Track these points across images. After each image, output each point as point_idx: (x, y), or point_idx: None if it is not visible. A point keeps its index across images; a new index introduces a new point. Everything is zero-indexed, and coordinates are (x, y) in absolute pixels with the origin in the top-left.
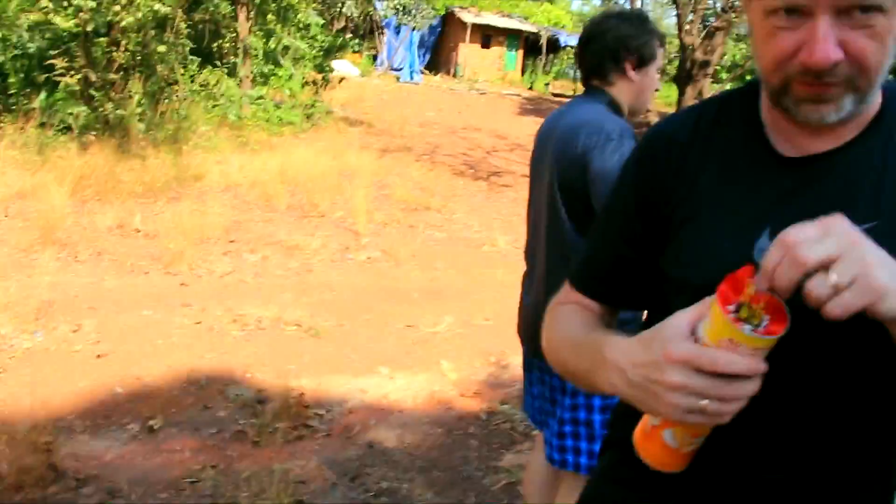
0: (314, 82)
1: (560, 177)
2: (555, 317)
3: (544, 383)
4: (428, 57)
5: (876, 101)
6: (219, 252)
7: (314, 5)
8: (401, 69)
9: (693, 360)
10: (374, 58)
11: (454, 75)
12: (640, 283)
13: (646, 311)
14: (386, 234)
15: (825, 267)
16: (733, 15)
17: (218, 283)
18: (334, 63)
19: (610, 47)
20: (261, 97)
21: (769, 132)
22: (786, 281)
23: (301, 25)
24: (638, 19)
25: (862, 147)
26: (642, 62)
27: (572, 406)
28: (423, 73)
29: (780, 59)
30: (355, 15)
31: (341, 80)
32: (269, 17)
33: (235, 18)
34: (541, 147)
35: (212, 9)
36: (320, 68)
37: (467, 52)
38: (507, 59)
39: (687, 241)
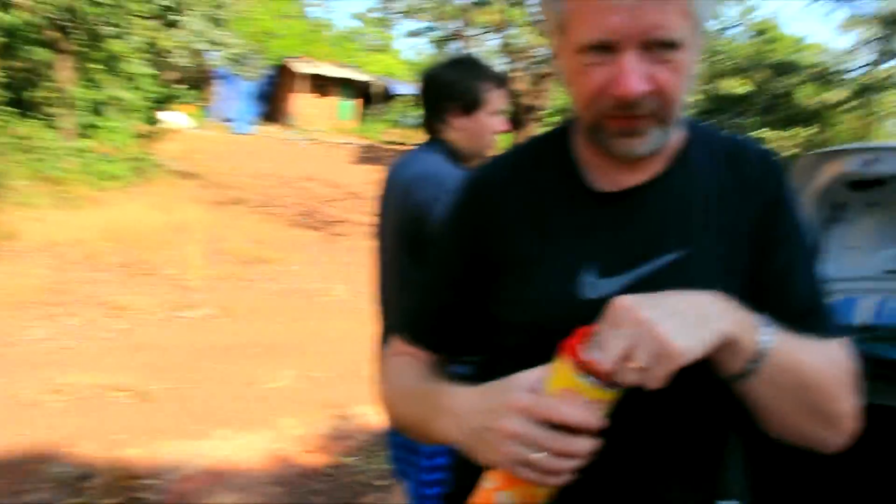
0: (143, 134)
1: (400, 230)
2: (388, 369)
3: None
4: (262, 107)
5: (677, 135)
6: (35, 317)
7: (142, 55)
8: (234, 120)
9: (531, 408)
10: (207, 109)
11: (289, 125)
12: (470, 329)
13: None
14: (221, 289)
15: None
16: None
17: (34, 350)
18: (165, 114)
19: (438, 95)
20: (85, 150)
21: (584, 169)
22: (613, 351)
23: (129, 75)
24: (466, 64)
25: (670, 180)
26: (469, 107)
27: (430, 468)
28: (257, 123)
29: (592, 95)
30: (186, 65)
31: (172, 132)
32: (94, 66)
33: (56, 67)
34: (383, 198)
35: (29, 56)
36: (150, 120)
37: (301, 102)
38: (342, 108)
39: (513, 281)
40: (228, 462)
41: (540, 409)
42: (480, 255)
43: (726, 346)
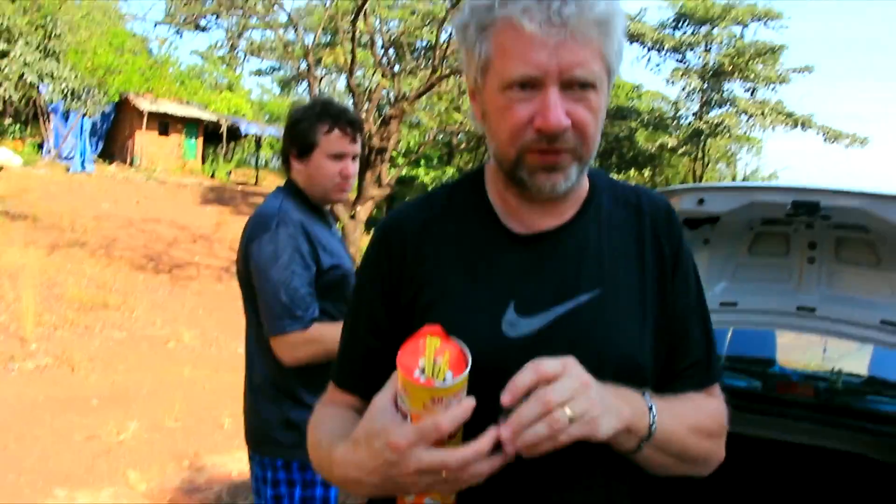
0: None
1: (243, 270)
2: (316, 419)
3: (252, 472)
4: (101, 145)
5: (585, 182)
6: None
7: None
8: (71, 158)
9: (419, 440)
10: (40, 146)
11: (131, 164)
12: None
13: None
14: (58, 337)
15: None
16: (405, 104)
17: None
18: None
19: (284, 137)
20: None
21: (500, 213)
22: (532, 416)
23: None
24: (309, 107)
25: (581, 224)
26: (303, 151)
27: (275, 497)
28: (96, 162)
29: (516, 129)
30: (15, 98)
31: None
32: None
33: None
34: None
35: None
36: None
37: (144, 141)
38: (187, 147)
39: (434, 321)
40: None
41: (427, 435)
42: (400, 299)
43: (624, 431)
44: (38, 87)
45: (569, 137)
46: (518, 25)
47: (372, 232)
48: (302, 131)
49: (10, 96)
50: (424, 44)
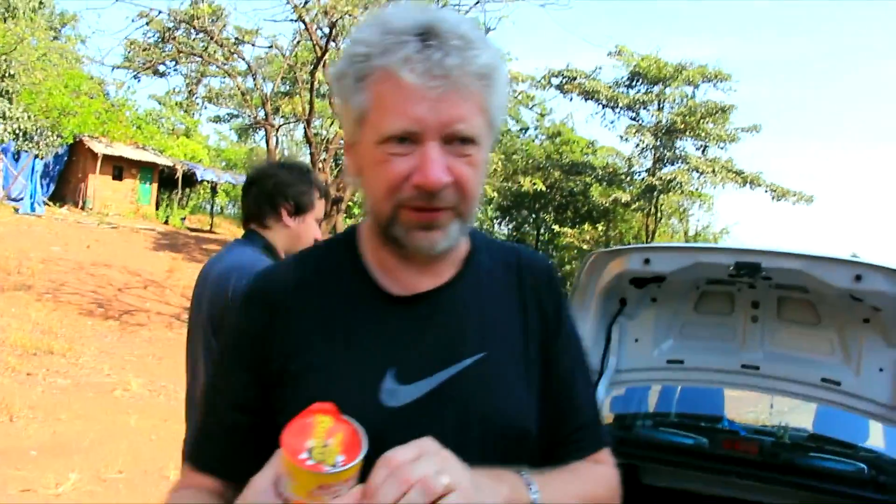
0: None
1: (213, 324)
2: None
3: None
4: (53, 187)
5: (464, 242)
6: None
7: None
8: (21, 199)
9: None
10: None
11: (83, 207)
12: (262, 450)
13: None
14: None
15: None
16: None
17: None
18: None
19: (269, 193)
20: None
21: (376, 273)
22: (391, 497)
23: None
24: (300, 170)
25: (462, 284)
26: (299, 210)
27: None
28: (46, 204)
29: (393, 184)
30: None
31: None
32: None
33: None
34: (197, 294)
35: None
36: None
37: (97, 184)
38: (141, 192)
39: (307, 393)
40: None
41: None
42: (268, 367)
43: None
44: None
45: (448, 195)
46: (397, 76)
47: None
48: (303, 193)
49: None
50: None
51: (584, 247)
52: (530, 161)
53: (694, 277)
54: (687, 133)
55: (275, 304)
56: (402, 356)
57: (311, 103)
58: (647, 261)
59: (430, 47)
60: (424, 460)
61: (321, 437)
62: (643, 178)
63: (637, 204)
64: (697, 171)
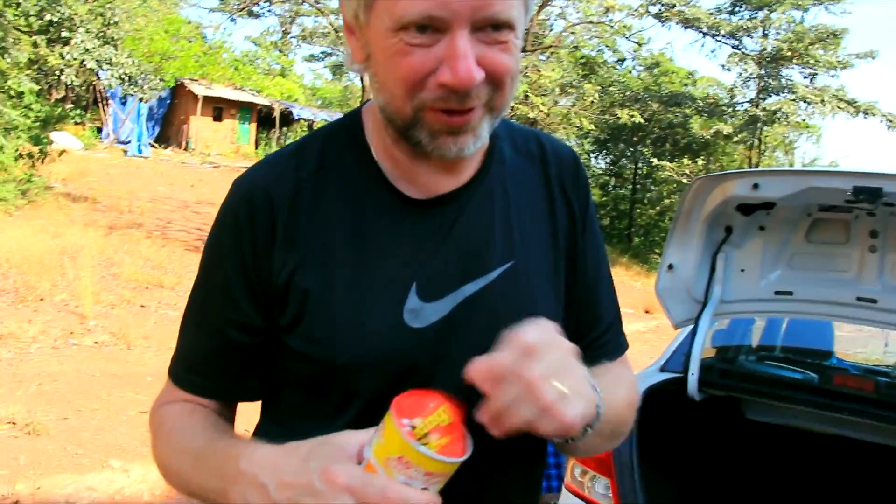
0: (30, 155)
1: None
2: (162, 422)
3: None
4: (157, 130)
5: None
6: None
7: (28, 72)
8: (128, 142)
9: (358, 489)
10: (99, 130)
11: (186, 148)
12: (257, 370)
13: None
14: (115, 315)
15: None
16: None
17: None
18: (53, 135)
19: None
20: None
21: (388, 173)
22: (519, 420)
23: (13, 93)
24: None
25: (485, 184)
26: None
27: None
28: (152, 146)
29: (413, 82)
30: (76, 84)
31: (61, 153)
32: None
33: None
34: None
35: None
36: (36, 140)
37: (199, 125)
38: (241, 131)
39: (319, 313)
40: (123, 496)
41: (368, 492)
42: (269, 282)
43: None
44: (97, 74)
45: (481, 91)
46: None
47: (227, 193)
48: None
49: (71, 82)
50: None
51: (683, 181)
52: (627, 93)
53: (806, 203)
54: (794, 60)
55: (275, 207)
56: (425, 270)
57: None
58: (755, 185)
59: None
60: (549, 354)
61: (433, 423)
62: (746, 110)
63: (739, 136)
64: (805, 101)
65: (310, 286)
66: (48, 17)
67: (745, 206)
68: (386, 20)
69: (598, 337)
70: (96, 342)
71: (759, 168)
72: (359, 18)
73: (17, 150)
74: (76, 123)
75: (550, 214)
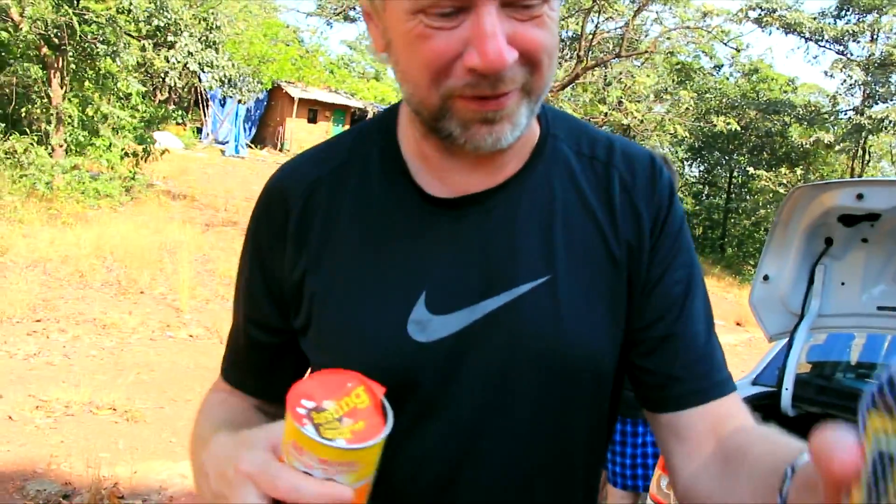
0: (134, 153)
1: None
2: (200, 409)
3: None
4: (254, 131)
5: (535, 125)
6: (22, 332)
7: (135, 74)
8: (226, 142)
9: (256, 476)
10: (199, 130)
11: (281, 149)
12: (288, 370)
13: None
14: (209, 310)
15: None
16: (550, 94)
17: (21, 366)
18: (156, 135)
19: None
20: (75, 167)
21: (414, 169)
22: None
23: (121, 94)
24: None
25: (526, 183)
26: None
27: None
28: (249, 146)
29: (438, 68)
30: (179, 86)
31: (163, 152)
32: (87, 83)
33: (48, 83)
34: None
35: (20, 72)
36: (141, 139)
37: (294, 127)
38: (334, 133)
39: (328, 319)
40: None
41: (261, 479)
42: (285, 281)
43: None
44: (199, 76)
45: (516, 73)
46: None
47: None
48: None
49: (175, 84)
50: (570, 34)
51: (780, 190)
52: (724, 100)
53: None
54: None
55: (290, 205)
56: (438, 278)
57: None
58: (860, 196)
59: None
60: None
61: (343, 408)
62: (849, 118)
63: (842, 145)
64: None
65: (317, 288)
66: (156, 22)
67: (847, 217)
68: (403, 1)
69: (689, 364)
70: (191, 335)
71: (864, 178)
72: (375, 2)
73: (123, 148)
74: (178, 124)
75: (612, 225)
